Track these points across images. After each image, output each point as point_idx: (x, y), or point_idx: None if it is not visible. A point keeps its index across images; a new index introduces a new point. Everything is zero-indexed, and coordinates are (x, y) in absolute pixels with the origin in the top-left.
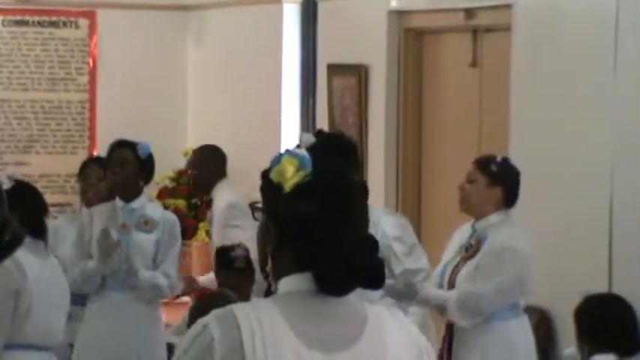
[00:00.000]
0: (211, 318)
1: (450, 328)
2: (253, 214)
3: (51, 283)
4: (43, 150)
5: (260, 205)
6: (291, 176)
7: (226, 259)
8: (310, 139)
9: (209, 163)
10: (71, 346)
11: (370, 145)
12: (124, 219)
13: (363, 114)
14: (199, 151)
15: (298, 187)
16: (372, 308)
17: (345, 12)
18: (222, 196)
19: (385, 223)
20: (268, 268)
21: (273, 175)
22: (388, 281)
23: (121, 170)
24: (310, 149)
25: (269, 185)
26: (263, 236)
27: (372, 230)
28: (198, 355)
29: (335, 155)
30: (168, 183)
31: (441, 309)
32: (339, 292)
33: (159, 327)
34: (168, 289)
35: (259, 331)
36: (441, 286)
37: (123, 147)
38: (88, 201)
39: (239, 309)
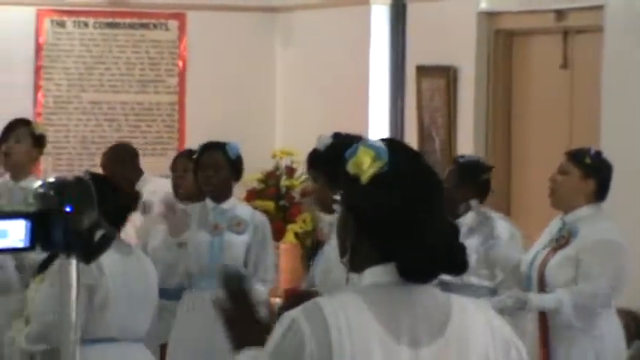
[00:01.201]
0: (299, 313)
1: (544, 322)
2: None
3: (133, 279)
4: None
5: (338, 198)
6: (367, 167)
7: None
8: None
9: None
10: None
11: (459, 146)
12: (215, 220)
13: (452, 115)
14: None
15: (375, 178)
16: (457, 299)
17: (435, 13)
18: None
19: (500, 226)
20: (346, 259)
21: (349, 167)
22: (498, 298)
23: (214, 174)
24: (393, 141)
25: (346, 177)
26: (342, 228)
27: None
28: (291, 352)
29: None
30: (256, 185)
31: (552, 312)
32: (423, 280)
33: None
34: (268, 295)
35: (346, 325)
36: (528, 275)
37: (213, 149)
38: (177, 192)
39: (326, 303)
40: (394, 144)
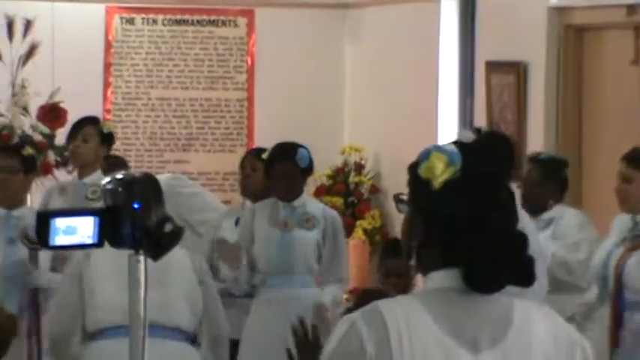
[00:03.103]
0: (359, 316)
1: (618, 319)
2: (397, 205)
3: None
4: (202, 148)
5: (404, 197)
6: (440, 173)
7: (397, 246)
8: (469, 135)
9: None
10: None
11: (529, 143)
12: (285, 217)
13: (521, 112)
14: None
15: (447, 183)
16: (519, 303)
17: (504, 9)
18: None
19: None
20: (413, 262)
21: (421, 171)
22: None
23: (285, 184)
24: (466, 145)
25: (417, 180)
26: (409, 230)
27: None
28: (349, 354)
29: (491, 153)
30: (325, 181)
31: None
32: (488, 290)
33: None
34: (343, 293)
35: (406, 330)
36: (603, 275)
37: (284, 160)
38: (244, 191)
39: (385, 306)
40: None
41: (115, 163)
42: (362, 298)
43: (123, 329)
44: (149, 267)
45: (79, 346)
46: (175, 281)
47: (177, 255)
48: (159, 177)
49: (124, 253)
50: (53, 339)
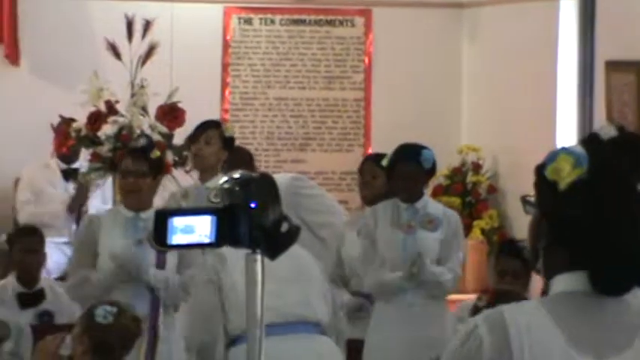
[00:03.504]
0: (481, 320)
1: None
2: (525, 207)
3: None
4: (319, 148)
5: (531, 199)
6: (566, 175)
7: (513, 246)
8: (611, 131)
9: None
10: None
11: None
12: (408, 219)
13: None
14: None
15: (574, 185)
16: None
17: (624, 7)
18: None
19: None
20: (539, 265)
21: (547, 173)
22: None
23: (409, 185)
24: (599, 144)
25: (543, 182)
26: (535, 232)
27: None
28: (470, 358)
29: (624, 154)
30: (442, 181)
31: None
32: (616, 292)
33: (444, 324)
34: (452, 283)
35: (527, 337)
36: None
37: (409, 161)
38: (365, 197)
39: (509, 312)
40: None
41: (240, 158)
42: (495, 298)
43: (275, 327)
44: (285, 265)
45: (223, 352)
46: (311, 278)
47: (302, 253)
48: (280, 176)
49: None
50: (198, 349)
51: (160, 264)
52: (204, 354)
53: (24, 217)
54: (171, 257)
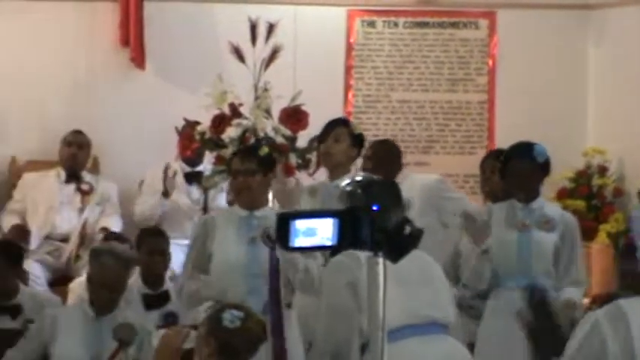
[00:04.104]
0: (602, 316)
1: None
2: None
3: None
4: (442, 150)
5: None
6: None
7: (633, 250)
8: None
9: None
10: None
11: None
12: (523, 218)
13: None
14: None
15: None
16: None
17: None
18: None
19: None
20: None
21: None
22: None
23: (523, 182)
24: None
25: None
26: None
27: None
28: (593, 353)
29: None
30: (566, 183)
31: None
32: None
33: None
34: (582, 296)
35: None
36: None
37: (522, 158)
38: (486, 193)
39: (629, 306)
40: None
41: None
42: (608, 302)
43: (408, 329)
44: (411, 268)
45: (358, 353)
46: (438, 279)
47: (423, 255)
48: (425, 177)
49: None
50: (333, 352)
51: (274, 262)
52: (339, 357)
53: (136, 216)
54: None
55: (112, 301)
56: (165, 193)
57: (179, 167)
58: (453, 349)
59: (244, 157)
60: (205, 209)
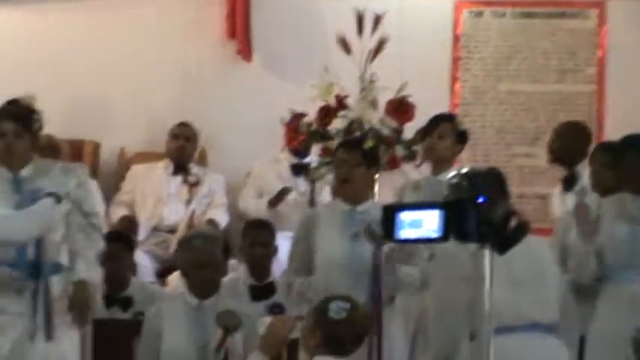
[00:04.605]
0: None
1: None
2: None
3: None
4: None
5: None
6: None
7: None
8: None
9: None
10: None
11: None
12: (635, 211)
13: None
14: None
15: None
16: None
17: None
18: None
19: None
20: None
21: None
22: None
23: (636, 174)
24: None
25: None
26: None
27: None
28: None
29: None
30: None
31: None
32: None
33: None
34: None
35: None
36: None
37: (634, 149)
38: (595, 186)
39: None
40: None
41: None
42: None
43: (513, 328)
44: (524, 263)
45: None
46: (548, 276)
47: (536, 246)
48: None
49: (512, 254)
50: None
51: (377, 257)
52: (452, 348)
53: (240, 209)
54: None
55: (213, 282)
56: (272, 204)
57: (286, 159)
58: (554, 352)
59: (349, 147)
60: (312, 201)
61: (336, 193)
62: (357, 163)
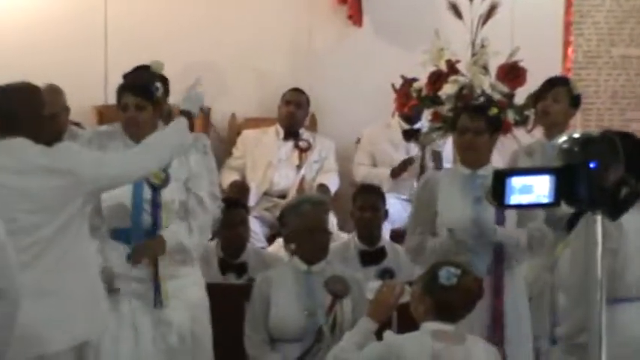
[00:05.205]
0: None
1: None
2: None
3: None
4: None
5: None
6: None
7: None
8: None
9: None
10: None
11: None
12: None
13: None
14: None
15: None
16: None
17: None
18: None
19: None
20: None
21: None
22: None
23: None
24: None
25: None
26: None
27: None
28: None
29: None
30: None
31: None
32: None
33: None
34: None
35: None
36: None
37: None
38: None
39: None
40: None
41: None
42: None
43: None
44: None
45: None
46: None
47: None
48: None
49: None
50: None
51: (500, 221)
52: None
53: (358, 178)
54: (511, 213)
55: (322, 247)
56: (395, 174)
57: (397, 124)
58: None
59: (474, 114)
60: (423, 167)
61: (459, 158)
62: (481, 130)
